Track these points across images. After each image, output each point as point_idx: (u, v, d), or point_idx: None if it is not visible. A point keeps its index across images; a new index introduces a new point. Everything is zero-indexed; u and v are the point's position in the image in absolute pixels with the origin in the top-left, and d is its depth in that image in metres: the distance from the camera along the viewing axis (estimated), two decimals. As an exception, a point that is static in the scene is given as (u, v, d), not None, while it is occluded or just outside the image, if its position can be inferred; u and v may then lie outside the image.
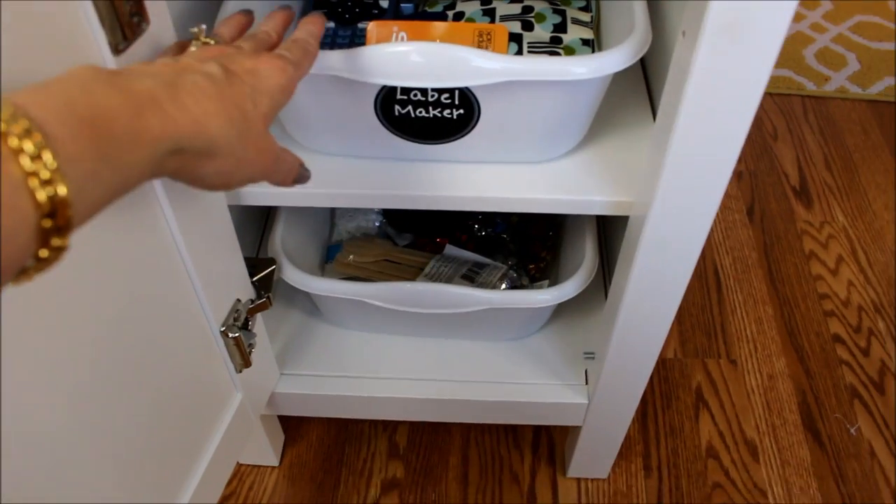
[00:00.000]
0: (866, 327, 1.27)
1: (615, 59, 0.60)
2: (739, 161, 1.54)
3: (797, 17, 1.86)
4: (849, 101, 1.67)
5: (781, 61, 1.75)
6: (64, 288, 0.50)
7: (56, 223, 0.31)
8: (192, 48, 0.51)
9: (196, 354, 0.72)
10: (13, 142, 0.30)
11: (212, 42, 0.52)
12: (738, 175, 1.51)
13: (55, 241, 0.32)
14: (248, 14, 0.58)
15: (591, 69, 0.60)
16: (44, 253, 0.32)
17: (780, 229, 1.41)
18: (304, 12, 0.83)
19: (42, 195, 0.30)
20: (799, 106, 1.66)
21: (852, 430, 1.14)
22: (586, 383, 0.91)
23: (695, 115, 0.56)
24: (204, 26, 0.53)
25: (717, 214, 1.43)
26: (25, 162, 0.30)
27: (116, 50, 0.49)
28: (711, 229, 1.39)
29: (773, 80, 1.70)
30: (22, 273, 0.33)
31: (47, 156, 0.31)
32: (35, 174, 0.30)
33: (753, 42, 0.51)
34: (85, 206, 0.33)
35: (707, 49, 0.52)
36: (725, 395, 1.18)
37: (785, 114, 1.64)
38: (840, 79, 1.71)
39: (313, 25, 0.57)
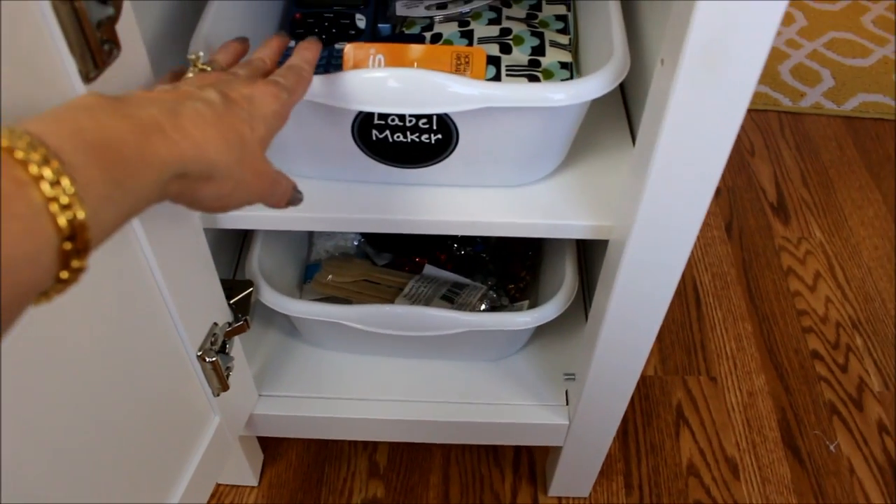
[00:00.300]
0: (844, 343, 1.28)
1: (593, 85, 0.60)
2: (718, 177, 1.55)
3: (774, 34, 1.88)
4: (824, 117, 1.69)
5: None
6: (37, 313, 0.49)
7: (76, 246, 0.33)
8: (190, 74, 0.52)
9: (172, 378, 0.71)
10: (33, 169, 0.31)
11: (208, 69, 0.53)
12: (716, 191, 1.52)
13: (75, 263, 0.34)
14: (244, 41, 0.59)
15: (569, 95, 0.60)
16: (64, 275, 0.34)
17: (758, 245, 1.42)
18: (284, 26, 0.82)
19: (62, 219, 0.32)
20: (776, 122, 1.67)
21: (832, 447, 1.15)
22: (567, 404, 0.91)
23: (674, 143, 0.55)
24: (202, 53, 0.53)
25: (696, 230, 1.44)
26: (46, 188, 0.32)
27: (87, 78, 0.48)
28: (690, 245, 1.40)
29: (751, 96, 1.72)
30: (42, 295, 0.34)
31: (65, 181, 0.32)
32: (55, 199, 0.32)
33: (733, 69, 0.51)
34: (100, 228, 0.35)
35: (686, 78, 0.52)
36: (706, 412, 1.18)
37: (762, 130, 1.65)
38: (815, 95, 1.73)
39: (308, 52, 0.58)
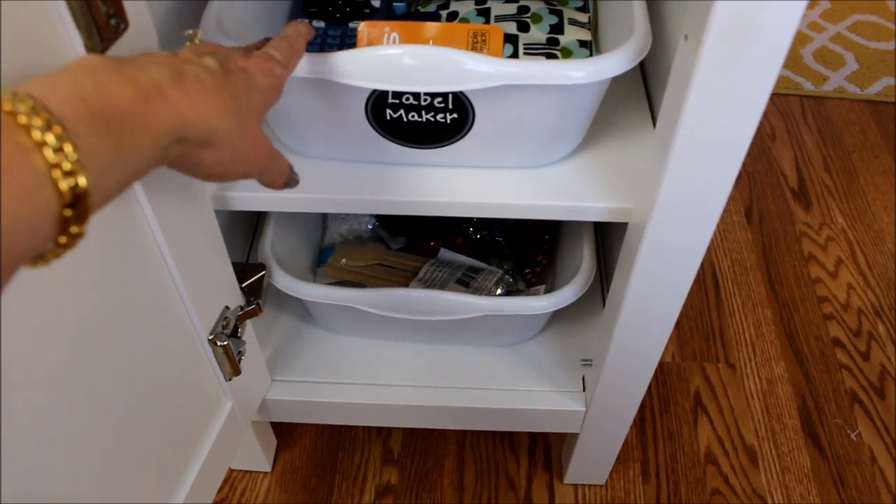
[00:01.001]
0: (866, 331, 1.26)
1: (614, 62, 0.58)
2: (738, 161, 1.52)
3: (796, 16, 1.84)
4: (847, 101, 1.65)
5: (780, 60, 1.73)
6: (46, 296, 0.49)
7: (76, 212, 0.33)
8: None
9: (183, 362, 0.70)
10: (36, 135, 0.31)
11: (199, 35, 0.54)
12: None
13: (74, 229, 0.34)
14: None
15: (589, 73, 0.58)
16: (63, 239, 0.34)
17: (778, 231, 1.40)
18: (294, 12, 0.81)
19: (65, 185, 0.32)
20: (797, 106, 1.64)
21: (852, 436, 1.13)
22: (584, 390, 0.89)
23: (697, 122, 0.54)
24: (199, 30, 0.53)
25: (716, 216, 1.42)
26: (49, 154, 0.31)
27: (94, 53, 0.47)
28: (709, 231, 1.38)
29: (772, 80, 1.69)
30: (39, 258, 0.34)
31: (68, 148, 0.32)
32: (58, 166, 0.32)
33: (759, 46, 0.49)
34: (101, 195, 0.35)
35: (711, 54, 0.50)
36: (724, 399, 1.16)
37: (783, 114, 1.62)
38: (838, 79, 1.69)
39: (302, 25, 0.57)
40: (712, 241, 1.37)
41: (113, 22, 0.48)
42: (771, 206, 1.44)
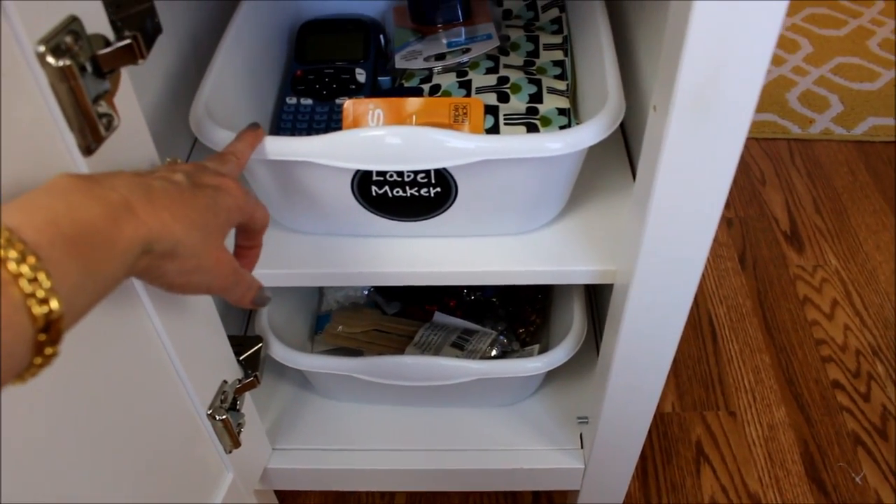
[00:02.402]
0: (865, 371, 1.26)
1: (589, 133, 0.61)
2: (729, 208, 1.54)
3: (778, 61, 1.88)
4: (834, 143, 1.68)
5: (765, 105, 1.76)
6: (44, 377, 0.50)
7: (50, 335, 0.35)
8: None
9: (183, 437, 0.71)
10: (12, 266, 0.33)
11: (179, 160, 0.56)
12: (727, 222, 1.51)
13: (48, 350, 0.35)
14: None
15: (566, 144, 0.60)
16: (38, 361, 0.35)
17: (772, 275, 1.41)
18: (284, 88, 0.83)
19: (39, 312, 0.34)
20: (785, 149, 1.67)
21: (857, 479, 1.12)
22: (581, 447, 0.90)
23: (671, 187, 0.55)
24: (179, 159, 0.56)
25: (709, 263, 1.43)
26: (24, 284, 0.33)
27: (88, 151, 0.49)
28: (704, 278, 1.40)
29: (758, 125, 1.72)
30: (17, 377, 0.35)
31: (42, 276, 0.34)
32: (32, 295, 0.33)
33: (723, 115, 0.51)
34: (72, 315, 0.37)
35: (678, 124, 0.52)
36: (726, 447, 1.16)
37: (772, 158, 1.65)
38: (824, 121, 1.72)
39: (254, 137, 0.60)
40: (707, 288, 1.39)
41: (104, 120, 0.50)
42: (764, 250, 1.46)
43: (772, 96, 1.79)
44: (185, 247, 0.45)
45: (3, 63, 0.42)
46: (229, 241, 0.54)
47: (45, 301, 0.34)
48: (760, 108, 1.76)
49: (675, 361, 1.29)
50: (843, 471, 1.13)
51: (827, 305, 1.36)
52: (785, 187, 1.59)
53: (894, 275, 1.40)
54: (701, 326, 1.33)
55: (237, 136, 0.60)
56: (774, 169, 1.63)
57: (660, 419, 1.19)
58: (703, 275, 1.41)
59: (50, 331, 0.34)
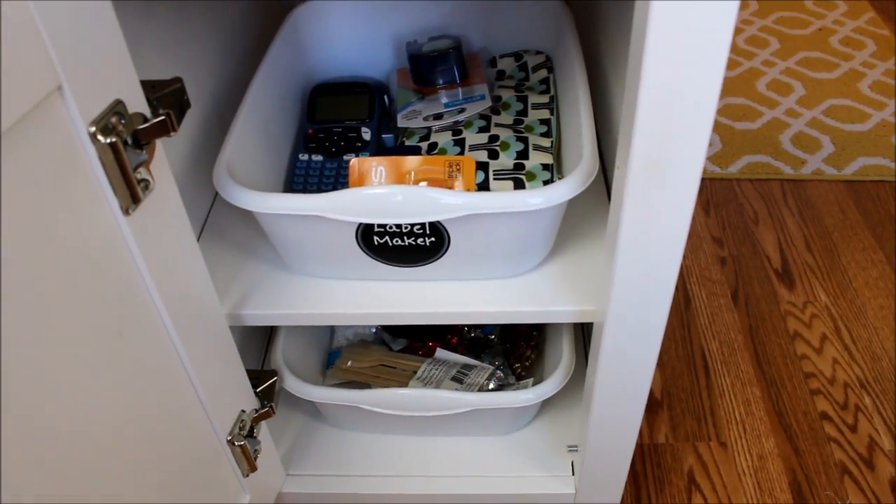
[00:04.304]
0: (853, 403, 1.32)
1: (565, 189, 0.69)
2: (722, 246, 1.61)
3: (772, 105, 1.96)
4: (825, 183, 1.75)
5: (759, 147, 1.84)
6: (76, 405, 0.56)
7: None
8: None
9: (204, 461, 0.78)
10: None
11: None
12: (721, 261, 1.58)
13: None
14: None
15: (546, 199, 0.68)
16: None
17: (764, 311, 1.47)
18: (297, 145, 0.92)
19: None
20: (778, 190, 1.74)
21: (843, 507, 1.18)
22: (573, 474, 0.97)
23: (633, 237, 0.63)
24: None
25: (703, 299, 1.50)
26: None
27: (126, 211, 0.58)
28: (697, 314, 1.46)
29: (752, 167, 1.79)
30: None
31: None
32: None
33: (674, 176, 0.59)
34: None
35: (635, 182, 0.59)
36: (717, 477, 1.22)
37: (765, 198, 1.72)
38: (816, 161, 1.79)
39: None
40: (700, 323, 1.45)
41: (142, 185, 0.59)
42: (756, 287, 1.52)
43: (766, 138, 1.87)
44: None
45: (61, 141, 0.50)
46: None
47: None
48: (755, 150, 1.84)
49: (669, 394, 1.36)
50: (830, 500, 1.19)
51: (816, 340, 1.42)
52: (777, 226, 1.65)
53: (882, 310, 1.46)
54: (694, 361, 1.39)
55: None
56: (767, 209, 1.70)
57: (653, 450, 1.25)
58: (697, 310, 1.48)
59: None
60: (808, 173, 1.77)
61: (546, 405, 1.02)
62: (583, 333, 1.11)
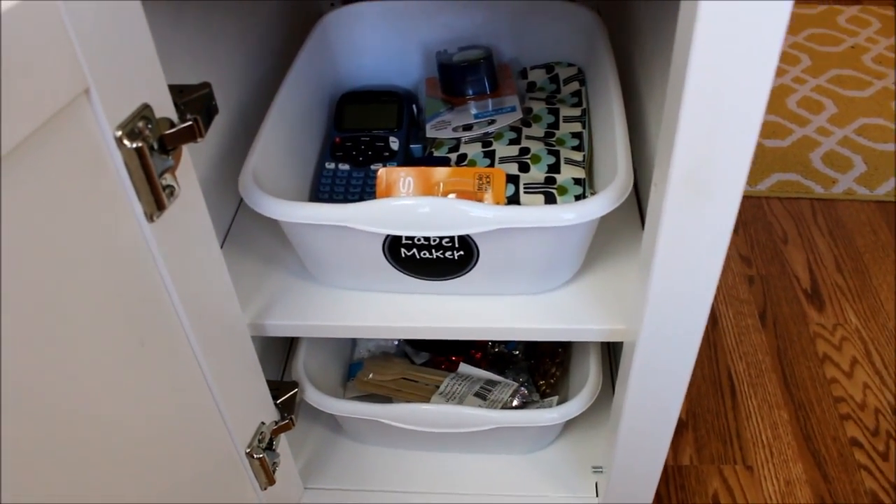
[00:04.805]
0: (884, 430, 1.28)
1: (599, 205, 0.67)
2: (750, 265, 1.58)
3: (802, 122, 1.93)
4: (857, 203, 1.72)
5: (789, 165, 1.81)
6: (94, 413, 0.54)
7: None
8: None
9: (222, 473, 0.77)
10: None
11: None
12: (749, 280, 1.55)
13: None
14: None
15: (578, 215, 0.66)
16: None
17: (792, 333, 1.44)
18: (323, 153, 0.91)
19: None
20: (808, 209, 1.71)
21: (873, 537, 1.14)
22: (597, 496, 0.94)
23: (669, 256, 0.61)
24: None
25: (730, 320, 1.47)
26: None
27: (151, 218, 0.56)
28: (724, 335, 1.44)
29: (782, 185, 1.76)
30: None
31: None
32: None
33: (714, 195, 0.57)
34: None
35: (673, 201, 0.58)
36: (742, 501, 1.19)
37: (794, 217, 1.69)
38: (847, 181, 1.76)
39: None
40: (727, 343, 1.42)
41: (167, 191, 0.58)
42: (785, 308, 1.49)
43: (796, 156, 1.84)
44: None
45: (87, 145, 0.49)
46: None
47: None
48: (784, 168, 1.81)
49: (694, 415, 1.33)
50: (859, 528, 1.16)
51: (846, 363, 1.39)
52: (807, 246, 1.62)
53: (914, 335, 1.43)
54: (720, 382, 1.36)
55: None
56: (797, 228, 1.67)
57: (677, 472, 1.22)
58: (723, 330, 1.46)
59: None
60: (839, 193, 1.74)
61: (570, 424, 1.00)
62: (609, 351, 1.08)
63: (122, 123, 0.51)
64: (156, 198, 0.56)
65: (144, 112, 0.53)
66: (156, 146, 0.55)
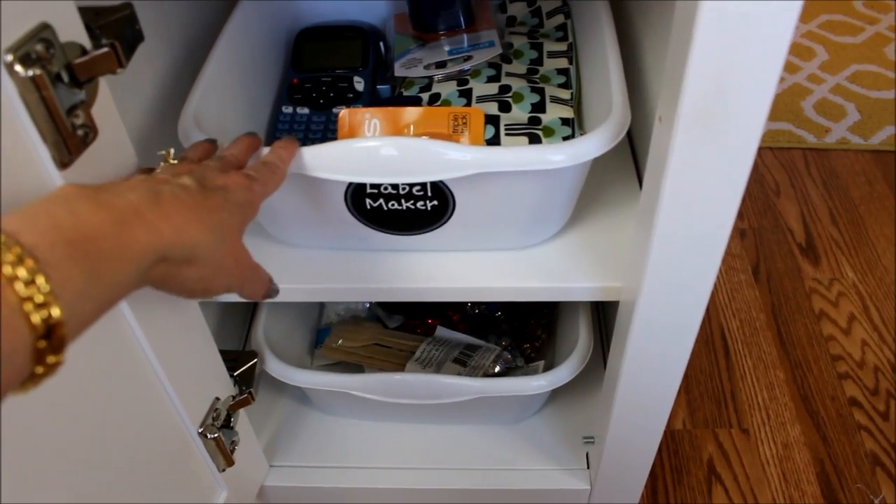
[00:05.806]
0: (884, 389, 1.22)
1: (592, 145, 0.58)
2: (742, 218, 1.51)
3: (793, 69, 1.85)
4: (851, 153, 1.64)
5: (780, 114, 1.73)
6: (25, 399, 0.48)
7: (51, 343, 0.33)
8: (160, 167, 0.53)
9: (174, 457, 0.69)
10: (7, 270, 0.32)
11: (171, 152, 0.54)
12: (741, 233, 1.48)
13: (50, 359, 0.34)
14: (213, 142, 0.60)
15: (568, 156, 0.58)
16: (39, 370, 0.34)
17: (787, 289, 1.37)
18: (280, 96, 0.81)
19: (37, 318, 0.32)
20: (800, 159, 1.63)
21: (876, 501, 1.09)
22: (588, 467, 0.87)
23: (677, 202, 0.53)
24: (172, 150, 0.54)
25: (722, 275, 1.40)
26: (20, 288, 0.32)
27: (62, 164, 0.47)
28: (716, 290, 1.36)
29: (773, 134, 1.68)
30: (19, 387, 0.34)
31: (40, 280, 0.32)
32: (30, 299, 0.32)
33: (731, 129, 0.48)
34: (77, 322, 0.35)
35: (684, 136, 0.49)
36: (739, 467, 1.13)
37: (786, 168, 1.62)
38: (841, 130, 1.69)
39: (284, 150, 0.58)
40: (719, 300, 1.35)
41: (81, 132, 0.48)
42: (779, 262, 1.42)
43: (786, 105, 1.76)
44: (202, 251, 0.44)
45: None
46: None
47: (44, 306, 0.32)
48: (775, 117, 1.73)
49: (687, 377, 1.26)
50: (861, 492, 1.10)
51: (844, 320, 1.32)
52: (800, 198, 1.55)
53: (913, 288, 1.36)
54: (713, 340, 1.29)
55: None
56: (789, 179, 1.59)
57: (670, 437, 1.16)
58: (715, 287, 1.38)
59: (51, 338, 0.33)
60: (832, 142, 1.66)
61: (557, 391, 0.92)
62: (598, 310, 1.00)
63: (13, 46, 0.42)
64: (65, 139, 0.47)
65: (43, 33, 0.44)
66: (64, 77, 0.46)
